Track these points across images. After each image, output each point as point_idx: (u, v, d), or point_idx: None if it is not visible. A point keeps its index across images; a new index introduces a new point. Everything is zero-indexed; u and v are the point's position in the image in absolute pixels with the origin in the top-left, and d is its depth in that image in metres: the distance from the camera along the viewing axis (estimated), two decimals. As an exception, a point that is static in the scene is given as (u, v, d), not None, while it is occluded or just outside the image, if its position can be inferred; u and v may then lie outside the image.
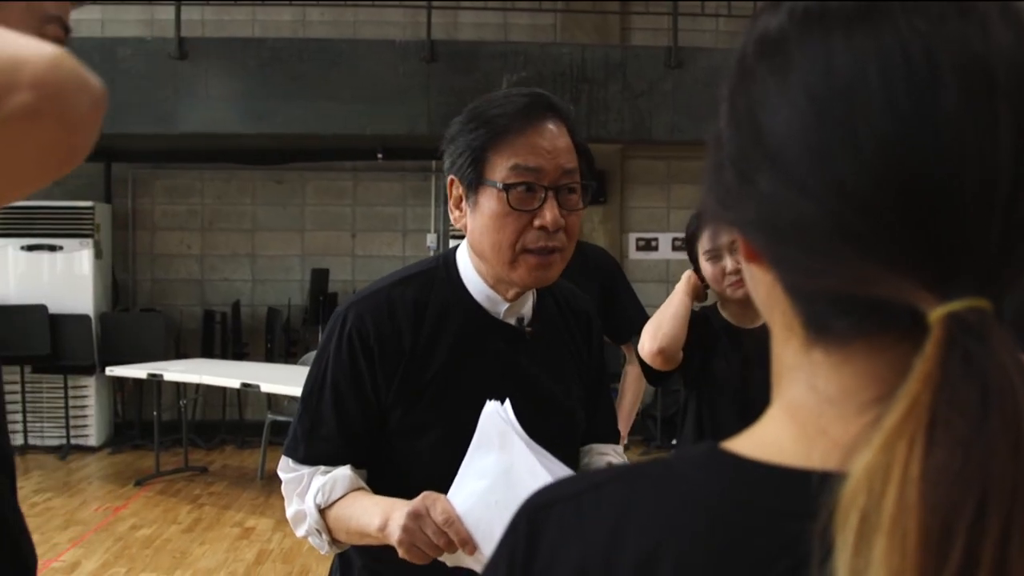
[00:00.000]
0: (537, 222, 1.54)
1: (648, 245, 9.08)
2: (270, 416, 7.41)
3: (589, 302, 1.88)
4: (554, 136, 1.58)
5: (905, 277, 0.49)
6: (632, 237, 9.05)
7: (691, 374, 2.63)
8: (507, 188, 1.54)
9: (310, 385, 1.67)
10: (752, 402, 2.54)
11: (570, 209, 1.59)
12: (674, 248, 8.81)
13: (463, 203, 1.62)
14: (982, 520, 0.44)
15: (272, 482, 7.09)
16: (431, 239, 8.97)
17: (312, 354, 7.71)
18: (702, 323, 2.66)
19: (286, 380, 6.64)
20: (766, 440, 0.60)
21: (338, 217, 9.02)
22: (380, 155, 8.53)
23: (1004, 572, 0.43)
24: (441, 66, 7.55)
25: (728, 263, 2.57)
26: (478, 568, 1.39)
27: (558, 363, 1.74)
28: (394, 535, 1.41)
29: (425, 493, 1.42)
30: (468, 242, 1.65)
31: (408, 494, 1.49)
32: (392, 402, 1.62)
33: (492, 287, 1.65)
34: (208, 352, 8.55)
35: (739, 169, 0.55)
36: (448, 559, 1.43)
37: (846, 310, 0.54)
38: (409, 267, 1.76)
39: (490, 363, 1.66)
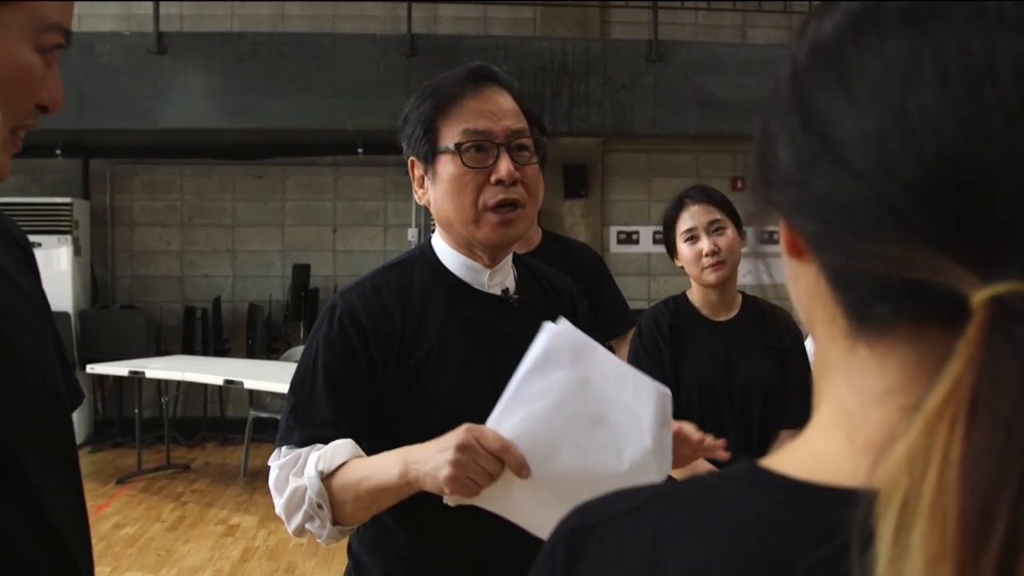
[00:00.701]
0: (493, 177, 1.60)
1: (629, 238, 9.10)
2: (253, 413, 7.38)
3: (570, 282, 1.91)
4: (499, 101, 1.64)
5: (950, 260, 0.50)
6: (613, 230, 9.06)
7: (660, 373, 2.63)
8: (459, 148, 1.60)
9: (301, 374, 1.65)
10: (735, 393, 2.55)
11: (524, 164, 1.64)
12: (655, 241, 8.82)
13: (424, 181, 1.68)
14: (1022, 502, 0.44)
15: (256, 479, 7.07)
16: (412, 234, 8.95)
17: (297, 349, 7.70)
18: (674, 317, 2.65)
19: (269, 376, 6.62)
20: (810, 455, 0.59)
21: (319, 212, 8.99)
22: (361, 150, 8.49)
23: None
24: (422, 60, 7.52)
25: (705, 244, 2.57)
26: (514, 518, 1.36)
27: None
28: (441, 471, 1.34)
29: (467, 425, 1.37)
30: (435, 216, 1.69)
31: None
32: (390, 382, 1.62)
33: (468, 256, 1.69)
34: (189, 349, 8.51)
35: (795, 161, 0.57)
36: (484, 498, 1.37)
37: (889, 294, 0.54)
38: (388, 260, 1.81)
39: (482, 334, 1.68)
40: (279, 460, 1.61)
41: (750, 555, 0.55)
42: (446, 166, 1.62)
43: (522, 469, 1.33)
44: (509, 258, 1.75)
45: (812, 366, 0.64)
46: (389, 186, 9.02)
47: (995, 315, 0.48)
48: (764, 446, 2.65)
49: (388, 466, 1.45)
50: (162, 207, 8.86)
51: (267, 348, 8.56)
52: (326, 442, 1.57)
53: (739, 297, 2.71)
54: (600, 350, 1.36)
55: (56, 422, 1.14)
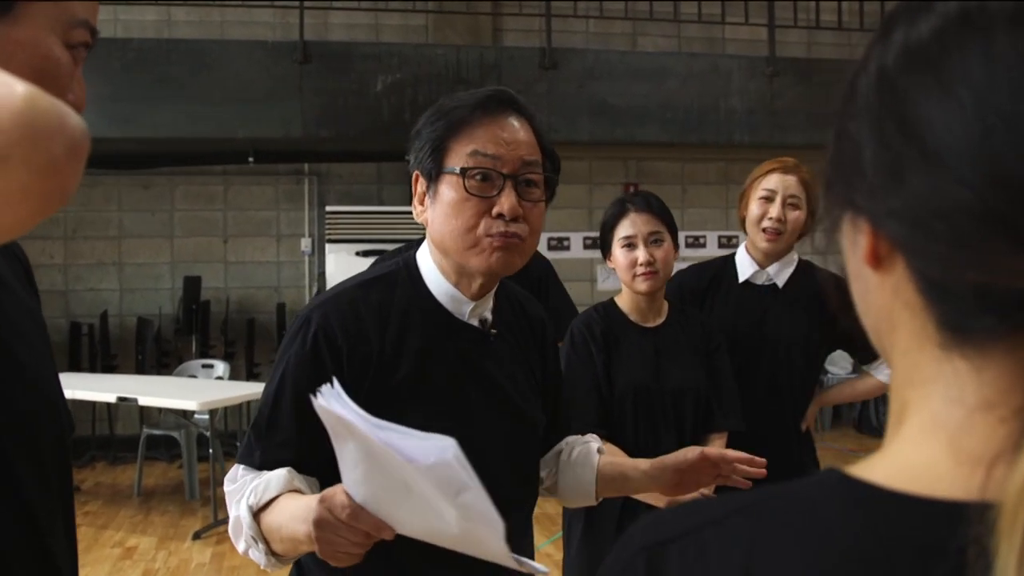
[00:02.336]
0: (495, 210, 1.55)
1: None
2: (146, 430, 7.18)
3: (542, 309, 1.89)
4: (515, 129, 1.59)
5: None
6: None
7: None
8: (464, 172, 1.55)
9: (268, 391, 1.59)
10: (667, 397, 2.59)
11: (530, 201, 1.59)
12: (550, 248, 8.88)
13: (425, 198, 1.62)
14: None
15: (151, 498, 6.87)
16: (305, 244, 8.84)
17: (190, 364, 7.49)
18: (604, 322, 2.69)
19: (161, 392, 6.45)
20: (904, 466, 0.57)
21: (209, 223, 8.80)
22: (252, 159, 8.35)
23: None
24: (314, 67, 7.44)
25: (642, 254, 2.61)
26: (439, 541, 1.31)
27: (518, 367, 1.74)
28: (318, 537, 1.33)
29: (320, 495, 1.33)
30: (429, 236, 1.64)
31: None
32: (361, 408, 1.57)
33: (455, 284, 1.65)
34: (75, 366, 8.23)
35: (888, 167, 0.56)
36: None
37: (991, 305, 0.53)
38: (370, 270, 1.74)
39: (456, 364, 1.64)
40: (234, 481, 1.57)
41: (856, 571, 0.53)
42: (448, 188, 1.57)
43: (383, 531, 1.29)
44: (493, 290, 1.70)
45: (890, 378, 0.62)
46: (281, 195, 8.88)
47: None
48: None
49: (299, 523, 1.40)
50: (44, 219, 8.54)
51: (157, 363, 8.33)
52: (286, 465, 1.53)
53: (666, 304, 2.76)
54: (358, 426, 1.22)
55: (57, 442, 1.10)
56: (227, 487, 1.58)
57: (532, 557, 1.68)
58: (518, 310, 1.80)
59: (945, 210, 0.52)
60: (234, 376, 7.75)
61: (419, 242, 1.75)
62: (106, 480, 7.62)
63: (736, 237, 9.37)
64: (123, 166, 8.41)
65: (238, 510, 1.50)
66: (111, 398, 6.43)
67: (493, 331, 1.70)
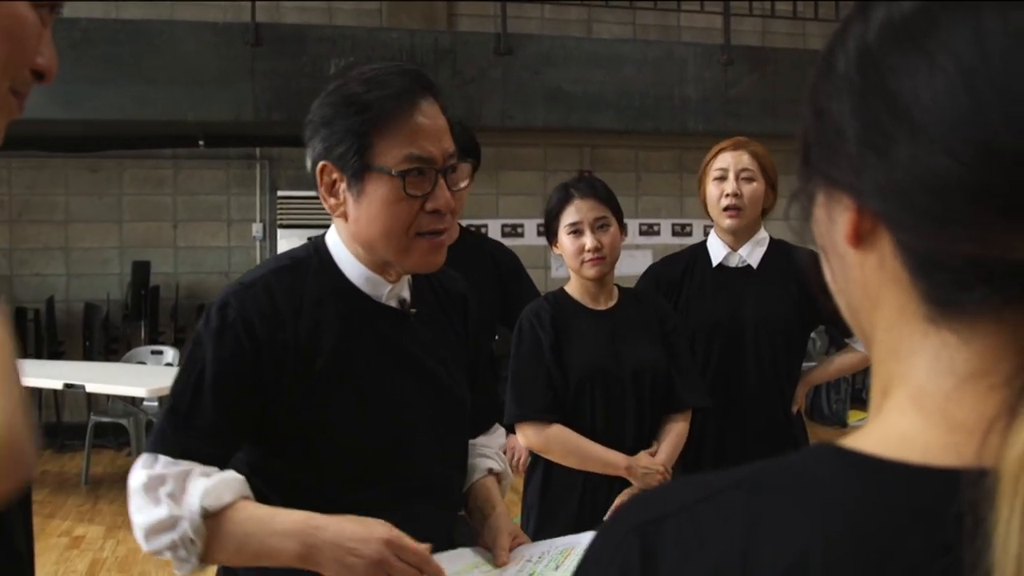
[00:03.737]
0: (430, 205, 1.53)
1: (478, 231, 9.12)
2: (93, 417, 7.07)
3: (464, 284, 1.86)
4: (436, 116, 1.56)
5: None
6: (462, 223, 9.05)
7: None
8: (403, 175, 1.50)
9: (185, 377, 1.54)
10: (627, 378, 2.60)
11: (457, 189, 1.59)
12: (504, 235, 8.86)
13: (338, 190, 1.56)
14: None
15: (98, 487, 6.77)
16: (257, 229, 8.75)
17: (139, 350, 7.37)
18: (555, 309, 2.69)
19: (110, 379, 6.36)
20: (897, 435, 0.57)
21: (158, 207, 8.67)
22: (202, 142, 8.24)
23: None
24: (266, 50, 7.34)
25: (588, 240, 2.61)
26: None
27: (440, 344, 1.72)
28: (356, 568, 1.35)
29: (385, 536, 1.37)
30: (350, 231, 1.59)
31: (321, 493, 1.51)
32: (280, 398, 1.54)
33: (373, 270, 1.62)
34: (21, 352, 8.04)
35: (871, 142, 0.56)
36: None
37: (982, 278, 0.53)
38: (280, 256, 1.69)
39: (377, 348, 1.62)
40: (151, 469, 1.49)
41: (856, 538, 0.53)
42: (380, 188, 1.52)
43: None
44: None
45: (873, 354, 0.62)
46: (232, 180, 8.78)
47: None
48: (657, 428, 2.71)
49: (284, 539, 1.39)
50: (-12, 203, 8.38)
51: (105, 350, 8.19)
52: (204, 458, 1.48)
53: (616, 288, 2.75)
54: None
55: None
56: (141, 478, 1.48)
57: (465, 538, 1.74)
58: (437, 288, 1.78)
59: (934, 184, 0.52)
60: (184, 363, 7.65)
61: None
62: (53, 468, 7.49)
63: (690, 225, 9.42)
64: (70, 149, 8.26)
65: (175, 508, 1.44)
66: (58, 385, 6.33)
67: (413, 311, 1.68)
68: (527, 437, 2.63)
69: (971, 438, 0.52)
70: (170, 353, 7.45)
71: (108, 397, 7.02)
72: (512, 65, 7.73)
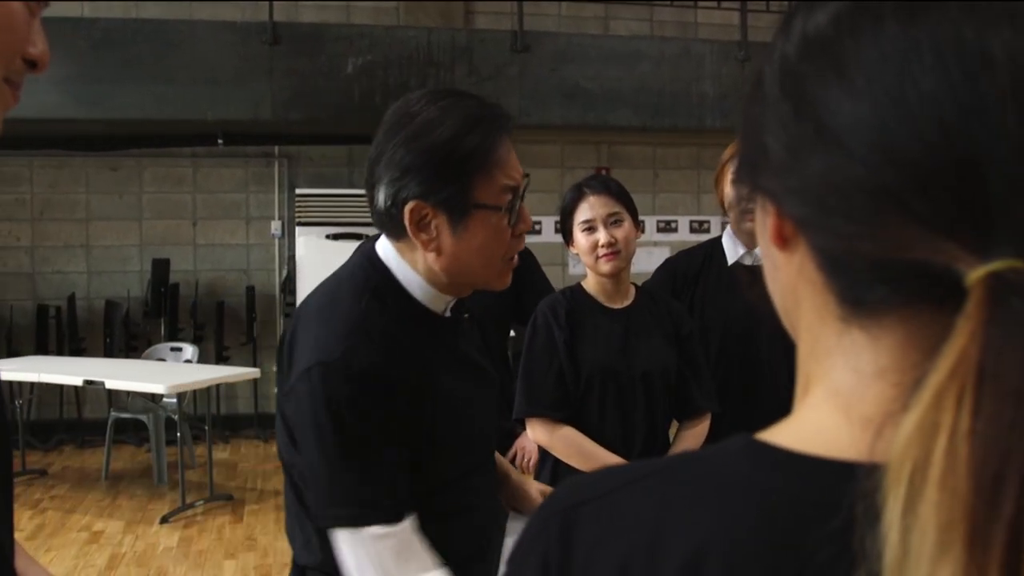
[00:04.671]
0: (520, 228, 1.61)
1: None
2: (114, 413, 7.13)
3: None
4: (509, 146, 1.62)
5: (947, 239, 0.52)
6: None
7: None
8: (509, 210, 1.58)
9: (339, 451, 1.51)
10: (637, 378, 2.61)
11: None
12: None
13: (431, 226, 1.57)
14: None
15: (118, 482, 6.83)
16: (275, 226, 8.79)
17: (159, 347, 7.38)
18: (571, 304, 2.69)
19: (130, 375, 6.41)
20: (810, 430, 0.60)
21: (178, 205, 8.73)
22: (221, 140, 8.28)
23: None
24: (284, 49, 7.38)
25: (602, 235, 2.62)
26: None
27: (476, 334, 1.83)
28: None
29: None
30: (444, 265, 1.60)
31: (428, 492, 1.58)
32: (419, 430, 1.56)
33: (440, 291, 1.64)
34: (42, 348, 8.14)
35: (788, 148, 0.59)
36: None
37: (884, 277, 0.56)
38: (352, 287, 1.64)
39: (448, 356, 1.67)
40: (377, 552, 1.51)
41: (755, 528, 0.56)
42: (486, 223, 1.56)
43: None
44: None
45: (797, 352, 0.65)
46: (251, 178, 8.82)
47: (994, 290, 0.50)
48: (667, 431, 2.72)
49: None
50: (11, 200, 8.45)
51: (126, 347, 8.26)
52: (406, 511, 1.52)
53: (632, 287, 2.76)
54: None
55: None
56: (370, 557, 1.52)
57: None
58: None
59: (841, 187, 0.55)
60: (203, 359, 7.70)
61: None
62: (73, 464, 7.56)
63: (708, 222, 9.40)
64: (91, 148, 8.32)
65: None
66: (78, 381, 6.38)
67: (466, 315, 1.75)
68: (535, 433, 2.64)
69: (873, 432, 0.55)
70: (189, 350, 7.50)
71: (128, 393, 7.07)
72: (529, 62, 7.74)
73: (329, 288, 1.68)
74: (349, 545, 1.52)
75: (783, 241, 0.62)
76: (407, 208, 1.55)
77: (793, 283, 0.63)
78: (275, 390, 6.61)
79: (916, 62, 0.54)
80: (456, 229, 1.57)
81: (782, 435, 0.60)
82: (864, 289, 0.57)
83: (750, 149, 0.63)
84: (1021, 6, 0.55)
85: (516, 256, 1.65)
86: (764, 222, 0.63)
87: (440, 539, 1.55)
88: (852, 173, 0.55)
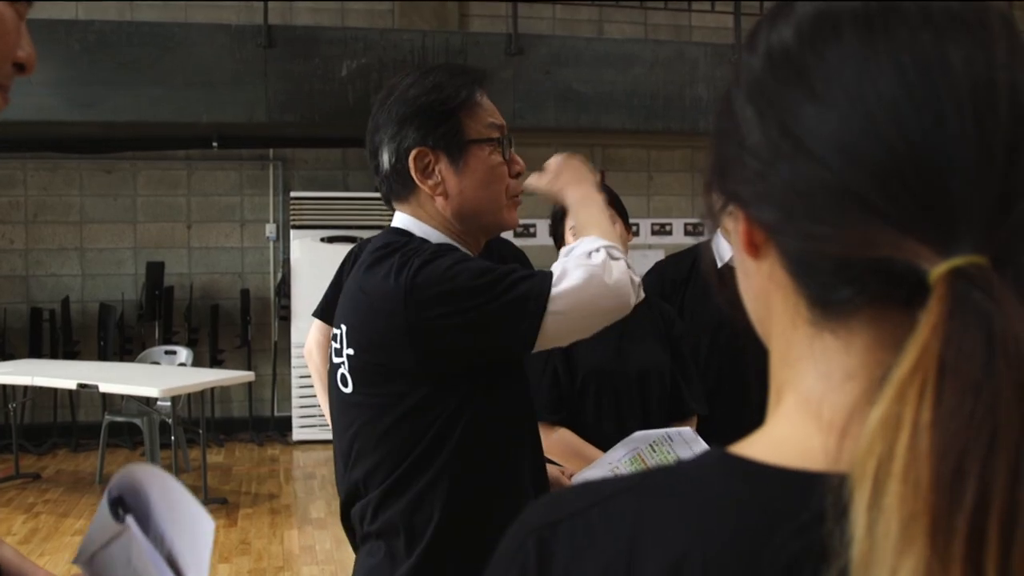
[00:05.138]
0: (515, 168, 1.77)
1: (491, 231, 9.13)
2: (108, 417, 7.12)
3: (513, 247, 2.11)
4: (487, 98, 1.79)
5: (909, 238, 0.53)
6: (476, 223, 9.07)
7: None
8: (500, 141, 1.74)
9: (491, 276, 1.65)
10: (632, 380, 2.60)
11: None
12: (516, 235, 8.87)
13: (434, 171, 1.72)
14: (993, 460, 0.47)
15: (111, 485, 6.80)
16: (270, 229, 8.78)
17: (153, 350, 7.34)
18: None
19: (124, 379, 6.39)
20: (782, 440, 0.61)
21: (172, 208, 8.72)
22: (216, 143, 8.28)
23: (1015, 508, 0.46)
24: (279, 51, 7.38)
25: None
26: None
27: None
28: None
29: None
30: (455, 206, 1.73)
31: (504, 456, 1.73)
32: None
33: (464, 246, 1.77)
34: (36, 352, 8.13)
35: (756, 155, 0.60)
36: None
37: (850, 277, 0.57)
38: (382, 252, 1.71)
39: None
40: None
41: (729, 541, 0.57)
42: (481, 158, 1.72)
43: None
44: None
45: (770, 359, 0.66)
46: (245, 180, 8.82)
47: (955, 286, 0.51)
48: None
49: None
50: (4, 203, 8.44)
51: (120, 350, 8.24)
52: None
53: None
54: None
55: None
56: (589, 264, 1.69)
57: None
58: (495, 252, 2.02)
59: (807, 190, 0.57)
60: (197, 363, 7.70)
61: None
62: (67, 467, 7.55)
63: (703, 224, 9.40)
64: (85, 150, 8.31)
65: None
66: (72, 385, 6.37)
67: None
68: None
69: (841, 434, 0.56)
70: (183, 353, 7.49)
71: (122, 397, 7.06)
72: (523, 65, 7.75)
73: (374, 255, 1.73)
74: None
75: (754, 248, 0.63)
76: (411, 156, 1.70)
77: (764, 289, 0.64)
78: (272, 392, 6.54)
79: (876, 69, 0.56)
80: (458, 167, 1.72)
81: (755, 447, 0.61)
82: (832, 290, 0.58)
83: (719, 158, 0.65)
84: (976, 15, 0.57)
85: (517, 195, 1.80)
86: (735, 230, 0.65)
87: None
88: (817, 176, 0.56)
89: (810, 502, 0.52)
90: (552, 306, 1.61)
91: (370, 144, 1.76)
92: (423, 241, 1.72)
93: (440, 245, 1.69)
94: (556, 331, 1.64)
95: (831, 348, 0.59)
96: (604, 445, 2.58)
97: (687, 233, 9.41)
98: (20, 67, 0.98)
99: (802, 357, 0.61)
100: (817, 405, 0.59)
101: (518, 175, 1.78)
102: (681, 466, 0.63)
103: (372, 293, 1.65)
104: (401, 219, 1.77)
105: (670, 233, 9.43)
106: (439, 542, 1.64)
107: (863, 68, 0.56)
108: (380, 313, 1.63)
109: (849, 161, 0.55)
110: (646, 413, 2.64)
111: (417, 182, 1.71)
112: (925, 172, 0.54)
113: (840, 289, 0.58)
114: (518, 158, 1.77)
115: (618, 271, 1.68)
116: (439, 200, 1.72)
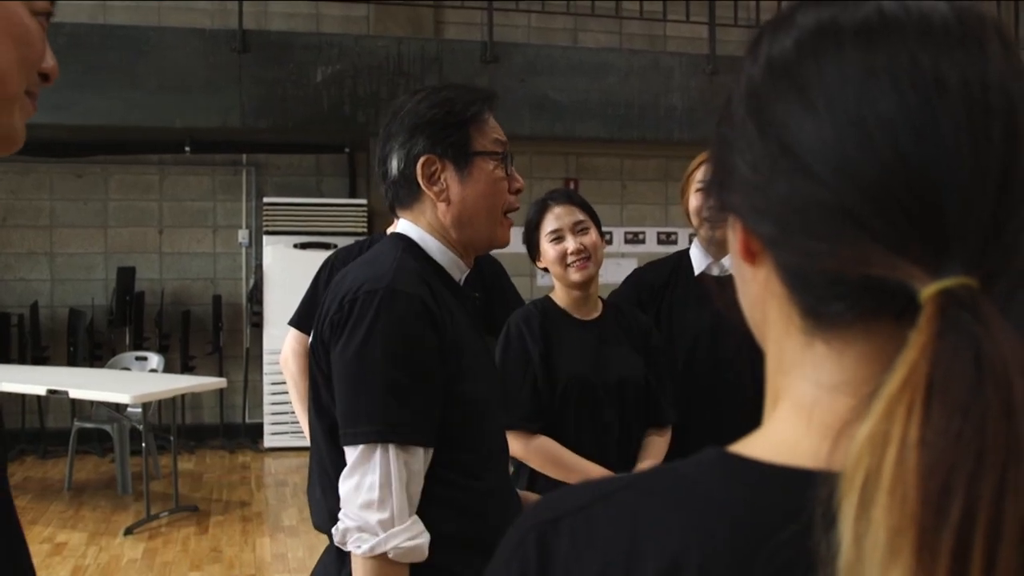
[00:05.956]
0: (515, 186, 1.85)
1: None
2: (77, 423, 7.05)
3: (498, 265, 2.07)
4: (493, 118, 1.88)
5: (901, 257, 0.54)
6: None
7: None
8: (503, 156, 1.82)
9: (381, 366, 1.65)
10: (611, 388, 2.61)
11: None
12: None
13: (440, 178, 1.80)
14: (979, 479, 0.48)
15: (82, 493, 6.75)
16: (243, 235, 8.74)
17: (123, 356, 7.31)
18: (543, 316, 2.69)
19: (94, 385, 6.33)
20: (778, 441, 0.62)
21: (144, 213, 8.65)
22: (188, 148, 8.23)
23: (1000, 526, 0.47)
24: (253, 56, 7.35)
25: (571, 243, 2.62)
26: None
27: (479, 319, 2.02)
28: None
29: None
30: (455, 213, 1.81)
31: (477, 465, 1.73)
32: (448, 374, 1.70)
33: (457, 256, 1.85)
34: (4, 357, 8.03)
35: (754, 168, 0.61)
36: None
37: (844, 291, 0.58)
38: (382, 251, 1.83)
39: (468, 326, 1.82)
40: (378, 468, 1.62)
41: (729, 539, 0.58)
42: (484, 170, 1.80)
43: None
44: None
45: (766, 364, 0.67)
46: (218, 186, 8.76)
47: (944, 307, 0.52)
48: (640, 440, 2.72)
49: None
50: (-28, 207, 8.35)
51: (90, 355, 8.16)
52: (426, 443, 1.65)
53: (600, 301, 2.77)
54: None
55: None
56: (372, 471, 1.62)
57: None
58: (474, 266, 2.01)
59: (804, 207, 0.58)
60: (168, 369, 7.64)
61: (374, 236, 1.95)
62: (36, 475, 7.46)
63: (675, 233, 9.44)
64: (56, 154, 8.23)
65: (418, 532, 1.64)
66: (41, 391, 6.30)
67: (476, 295, 1.93)
68: (510, 445, 2.64)
69: (831, 442, 0.56)
70: (155, 359, 7.43)
71: (92, 403, 6.99)
72: (498, 73, 7.75)
73: (365, 259, 1.85)
74: (361, 460, 1.63)
75: (751, 256, 0.64)
76: (419, 163, 1.79)
77: (761, 297, 0.65)
78: (243, 398, 6.52)
79: (874, 86, 0.56)
80: (463, 176, 1.80)
81: (752, 447, 0.62)
82: (825, 303, 0.59)
83: (718, 167, 0.66)
84: (975, 34, 0.58)
85: (512, 212, 1.86)
86: (733, 237, 0.65)
87: (454, 513, 1.69)
88: (814, 194, 0.57)
89: (802, 499, 0.53)
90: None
91: (380, 152, 1.85)
92: (414, 248, 1.80)
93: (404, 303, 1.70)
94: None
95: (823, 357, 0.61)
96: (583, 453, 2.58)
97: (660, 242, 9.44)
98: (44, 77, 1.04)
99: (796, 364, 0.63)
100: (808, 411, 0.61)
101: (517, 192, 1.85)
102: (680, 465, 0.64)
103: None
104: (403, 225, 1.86)
105: (643, 242, 9.46)
106: None
107: (862, 87, 0.57)
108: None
109: (845, 179, 0.56)
110: (624, 422, 2.65)
111: (423, 187, 1.80)
112: (919, 192, 0.54)
113: (833, 303, 0.59)
114: (518, 176, 1.85)
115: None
116: (441, 207, 1.81)
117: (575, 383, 2.62)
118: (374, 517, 1.59)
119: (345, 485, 1.63)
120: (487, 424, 1.81)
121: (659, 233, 9.52)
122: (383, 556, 1.59)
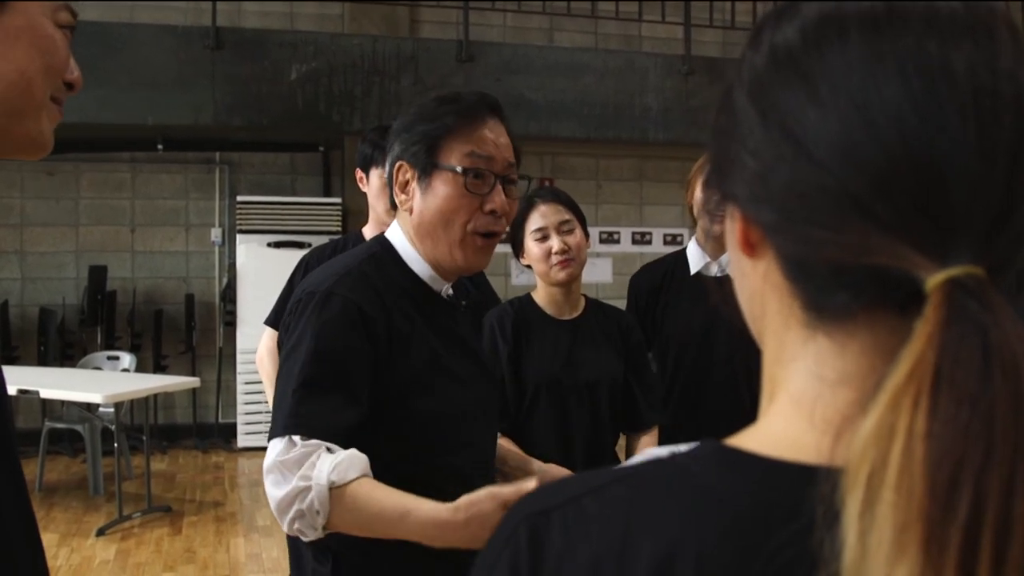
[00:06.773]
0: (488, 206, 1.73)
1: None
2: (48, 424, 6.98)
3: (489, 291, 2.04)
4: (499, 132, 1.78)
5: (907, 245, 0.53)
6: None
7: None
8: (465, 172, 1.71)
9: (302, 363, 1.63)
10: (582, 389, 2.60)
11: (512, 198, 1.79)
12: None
13: (410, 187, 1.76)
14: (988, 472, 0.46)
15: (53, 494, 6.69)
16: (216, 234, 8.68)
17: (96, 356, 7.25)
18: (518, 316, 2.68)
19: (65, 384, 6.27)
20: (774, 434, 0.61)
21: (116, 211, 8.58)
22: (161, 146, 8.17)
23: (1009, 520, 0.46)
24: (227, 54, 7.30)
25: (555, 243, 2.62)
26: None
27: (478, 335, 1.98)
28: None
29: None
30: (414, 223, 1.77)
31: (432, 473, 1.67)
32: (391, 385, 1.67)
33: (433, 268, 1.79)
34: (-27, 357, 7.96)
35: (755, 155, 0.60)
36: None
37: (846, 283, 0.57)
38: (353, 253, 1.83)
39: (443, 333, 1.78)
40: (285, 455, 1.59)
41: (724, 532, 0.57)
42: (445, 184, 1.73)
43: None
44: None
45: (763, 358, 0.66)
46: (191, 184, 8.70)
47: (951, 296, 0.51)
48: (613, 440, 2.71)
49: (429, 505, 1.52)
50: (-59, 205, 8.25)
51: (61, 355, 8.09)
52: (340, 436, 1.60)
53: (583, 299, 2.75)
54: None
55: None
56: (278, 458, 1.59)
57: None
58: (468, 283, 1.99)
59: (807, 193, 0.57)
60: (141, 368, 7.57)
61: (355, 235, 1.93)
62: (5, 475, 7.37)
63: (650, 233, 9.46)
64: (26, 151, 8.13)
65: (307, 481, 1.55)
66: (11, 391, 6.22)
67: (464, 303, 1.88)
68: None
69: (834, 436, 0.56)
70: (127, 359, 7.37)
71: (63, 403, 6.93)
72: (474, 72, 7.74)
73: (331, 261, 1.85)
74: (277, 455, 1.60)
75: (750, 248, 0.63)
76: (394, 168, 1.77)
77: (759, 290, 0.64)
78: (216, 398, 6.49)
79: (879, 73, 0.55)
80: (423, 186, 1.75)
81: (749, 440, 0.61)
82: (827, 295, 0.58)
83: (719, 157, 0.65)
84: (982, 21, 0.57)
85: (491, 236, 1.76)
86: (732, 229, 0.64)
87: None
88: (817, 180, 0.56)
89: (804, 495, 0.53)
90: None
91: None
92: (388, 256, 1.78)
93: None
94: None
95: (825, 350, 0.60)
96: (548, 454, 2.57)
97: (635, 242, 9.45)
98: (70, 86, 1.09)
99: (795, 358, 0.62)
100: (810, 405, 0.60)
101: (491, 212, 1.74)
102: (675, 457, 0.63)
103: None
104: (392, 227, 1.84)
105: (618, 242, 9.47)
106: (337, 540, 1.68)
107: (867, 73, 0.56)
108: None
109: (849, 166, 0.55)
110: (596, 423, 2.64)
111: (395, 193, 1.78)
112: (925, 180, 0.53)
113: (836, 293, 0.58)
114: (498, 196, 1.74)
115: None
116: (406, 216, 1.78)
117: (544, 383, 2.62)
118: (293, 494, 1.57)
119: (266, 481, 1.62)
120: (450, 440, 1.74)
121: (634, 233, 9.54)
122: (337, 494, 1.55)
